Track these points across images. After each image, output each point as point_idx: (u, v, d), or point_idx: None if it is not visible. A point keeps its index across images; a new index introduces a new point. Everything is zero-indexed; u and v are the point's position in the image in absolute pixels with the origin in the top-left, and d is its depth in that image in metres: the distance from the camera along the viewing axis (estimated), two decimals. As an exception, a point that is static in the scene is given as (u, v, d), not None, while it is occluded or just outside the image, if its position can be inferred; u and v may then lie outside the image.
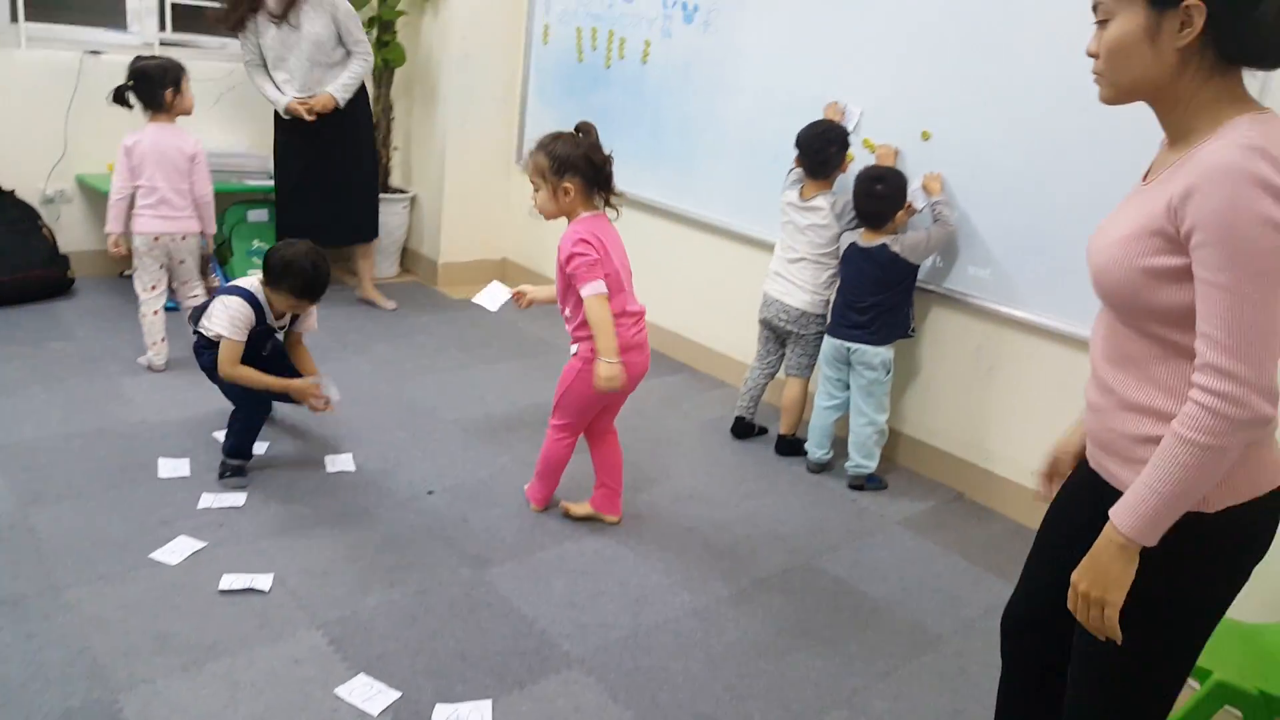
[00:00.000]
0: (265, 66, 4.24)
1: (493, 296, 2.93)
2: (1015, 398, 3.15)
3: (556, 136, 2.57)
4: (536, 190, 2.60)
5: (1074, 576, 1.37)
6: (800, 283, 3.32)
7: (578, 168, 2.53)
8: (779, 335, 3.43)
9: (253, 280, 2.89)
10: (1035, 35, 2.88)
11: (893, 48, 3.26)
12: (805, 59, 3.56)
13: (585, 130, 2.58)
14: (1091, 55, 1.33)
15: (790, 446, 3.48)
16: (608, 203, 2.63)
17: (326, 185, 4.38)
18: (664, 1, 4.06)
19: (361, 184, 4.57)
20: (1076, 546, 1.37)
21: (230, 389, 2.87)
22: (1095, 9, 1.31)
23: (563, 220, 2.65)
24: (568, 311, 2.66)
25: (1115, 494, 1.35)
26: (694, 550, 2.78)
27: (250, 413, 2.90)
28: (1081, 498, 1.51)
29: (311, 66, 4.18)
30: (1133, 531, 1.29)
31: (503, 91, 5.06)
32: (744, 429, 3.58)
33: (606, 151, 2.58)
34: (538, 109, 4.93)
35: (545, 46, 4.79)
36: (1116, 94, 1.33)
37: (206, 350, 2.87)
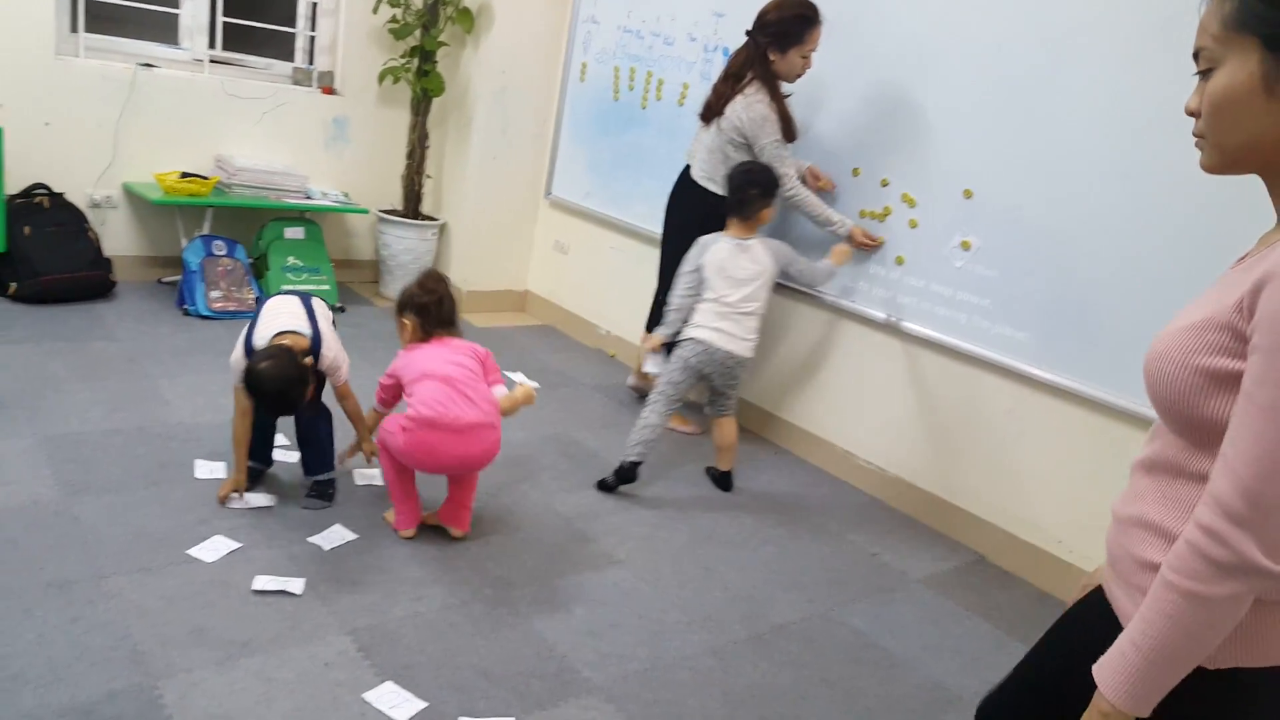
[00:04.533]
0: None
1: None
2: (1045, 463, 3.17)
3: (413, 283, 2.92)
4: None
5: None
6: (743, 333, 3.34)
7: (410, 306, 2.85)
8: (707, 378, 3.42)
9: (266, 335, 2.71)
10: (1079, 105, 2.97)
11: (936, 102, 3.34)
12: (847, 108, 3.63)
13: (427, 273, 2.97)
14: (1191, 114, 1.10)
15: (730, 481, 3.55)
16: (436, 327, 2.85)
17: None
18: (705, 46, 4.17)
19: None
20: (1069, 675, 1.18)
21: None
22: (1196, 57, 1.08)
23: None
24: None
25: (1118, 624, 1.14)
26: (712, 591, 2.80)
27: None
28: (1088, 617, 1.26)
29: None
30: (1115, 695, 1.06)
31: (536, 126, 5.17)
32: (631, 475, 3.35)
33: (444, 290, 2.87)
34: (570, 145, 5.03)
35: (582, 84, 4.90)
36: (1222, 159, 1.07)
37: None
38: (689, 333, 3.36)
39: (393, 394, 2.85)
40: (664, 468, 3.60)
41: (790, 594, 2.86)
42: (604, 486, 3.33)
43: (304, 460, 2.92)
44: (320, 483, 2.90)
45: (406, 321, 2.85)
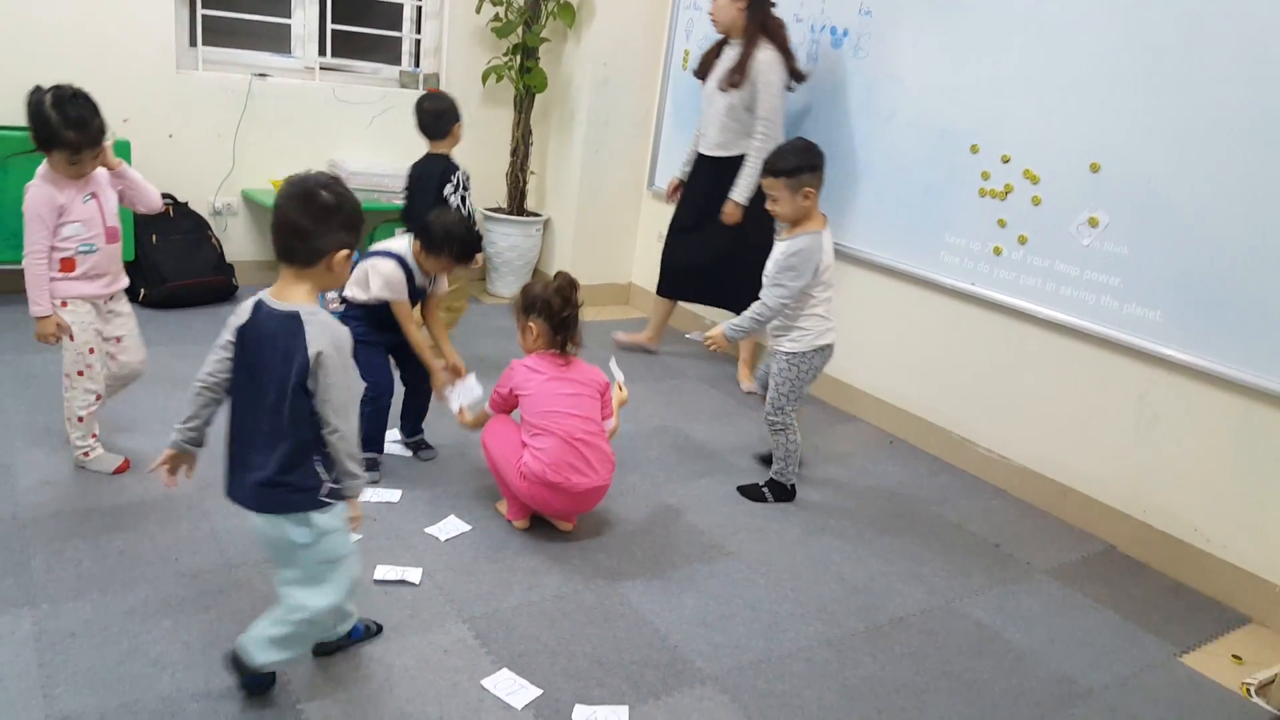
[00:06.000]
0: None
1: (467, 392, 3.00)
2: (1181, 448, 3.00)
3: (534, 284, 2.79)
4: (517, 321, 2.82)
5: None
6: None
7: (542, 311, 2.71)
8: None
9: (399, 243, 3.00)
10: (1221, 64, 2.78)
11: (1060, 74, 3.18)
12: (963, 84, 3.50)
13: (562, 275, 2.78)
14: None
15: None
16: (565, 347, 2.75)
17: (709, 242, 4.15)
18: (811, 25, 4.07)
19: (747, 261, 3.82)
20: None
21: (365, 365, 3.00)
22: None
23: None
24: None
25: None
26: (827, 583, 2.74)
27: (379, 394, 2.98)
28: None
29: (722, 129, 4.01)
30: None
31: (639, 117, 5.16)
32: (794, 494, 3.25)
33: (579, 302, 2.75)
34: (673, 134, 5.00)
35: (684, 72, 4.84)
36: None
37: (355, 320, 2.98)
38: (825, 339, 3.07)
39: (508, 406, 2.79)
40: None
41: (909, 586, 2.78)
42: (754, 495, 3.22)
43: (411, 422, 3.21)
44: (423, 439, 3.23)
45: (533, 326, 2.73)
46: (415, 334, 3.01)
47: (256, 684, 1.99)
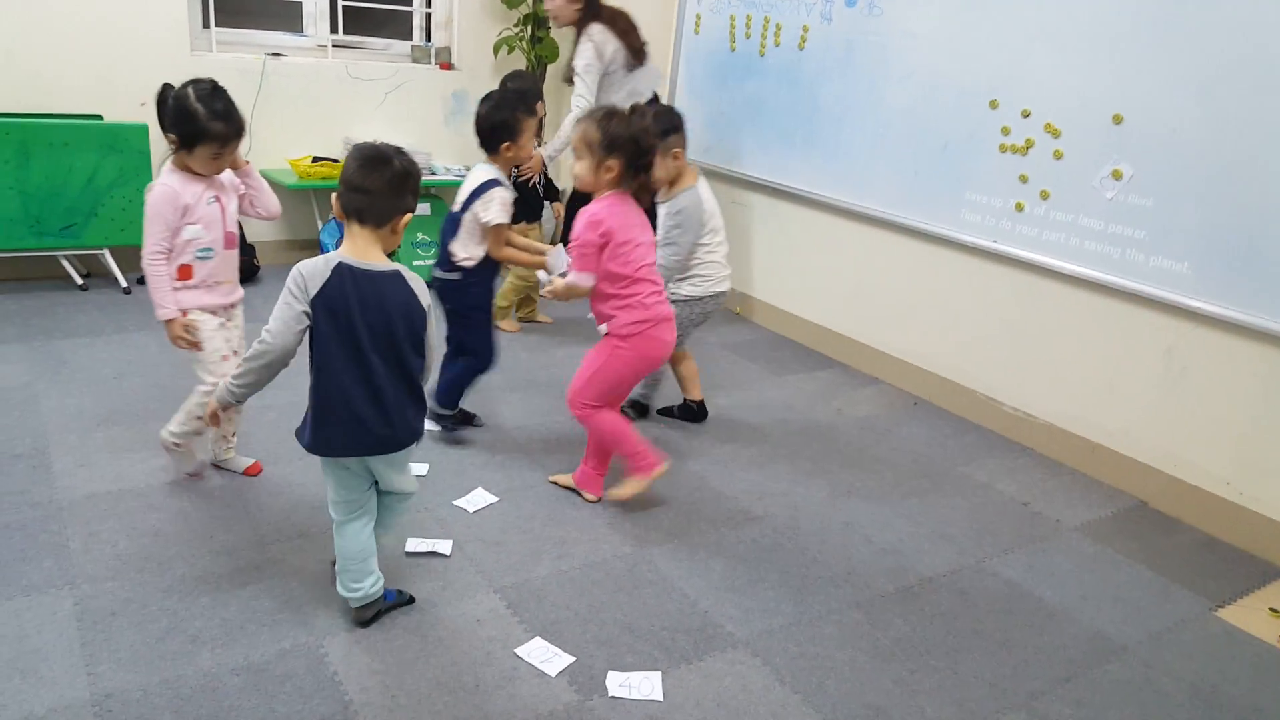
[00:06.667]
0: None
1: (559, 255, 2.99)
2: (1210, 401, 2.97)
3: (612, 114, 2.56)
4: (579, 159, 2.59)
5: None
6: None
7: (625, 150, 2.52)
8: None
9: (484, 171, 2.91)
10: (1243, 10, 2.71)
11: (1080, 25, 3.12)
12: (980, 39, 3.44)
13: (640, 113, 2.59)
14: None
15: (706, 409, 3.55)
16: (643, 187, 2.62)
17: None
18: (825, -14, 4.03)
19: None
20: None
21: (473, 334, 3.01)
22: None
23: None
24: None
25: None
26: (855, 545, 2.74)
27: (485, 361, 3.05)
28: None
29: None
30: None
31: (653, 86, 5.11)
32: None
33: (653, 141, 2.59)
34: (687, 100, 4.95)
35: (696, 37, 4.80)
36: None
37: (476, 287, 2.98)
38: (722, 286, 3.31)
39: (599, 259, 2.57)
40: (798, 424, 3.53)
41: (937, 546, 2.77)
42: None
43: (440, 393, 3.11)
44: (463, 410, 3.20)
45: (613, 165, 2.52)
46: (509, 251, 2.98)
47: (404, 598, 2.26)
